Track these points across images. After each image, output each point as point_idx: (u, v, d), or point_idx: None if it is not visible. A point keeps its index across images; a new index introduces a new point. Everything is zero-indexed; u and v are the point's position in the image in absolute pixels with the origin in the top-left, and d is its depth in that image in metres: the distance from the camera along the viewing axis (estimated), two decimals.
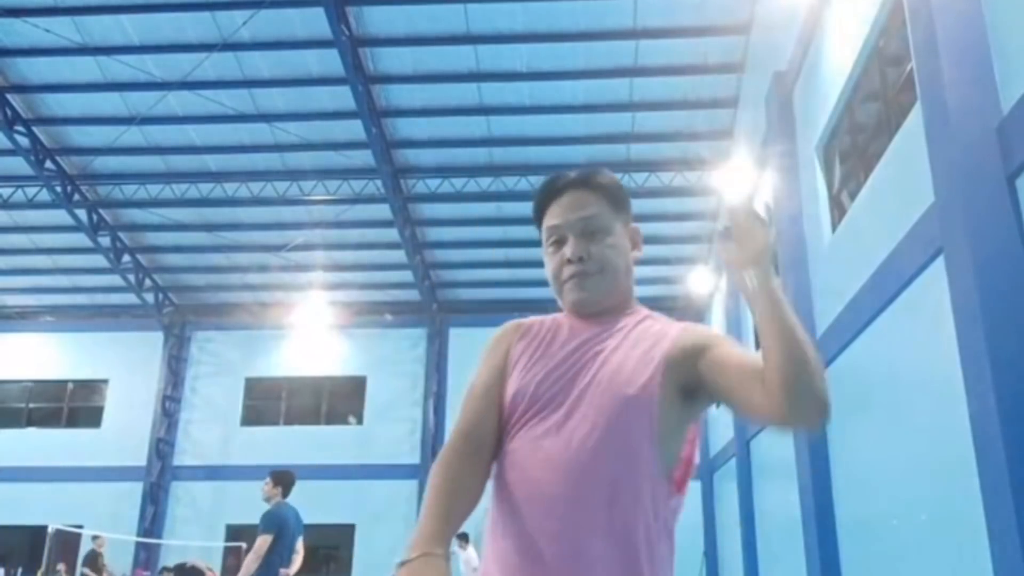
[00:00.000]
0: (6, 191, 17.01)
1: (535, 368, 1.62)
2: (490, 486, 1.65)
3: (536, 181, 16.42)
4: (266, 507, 6.84)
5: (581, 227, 1.63)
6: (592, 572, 1.42)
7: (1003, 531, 5.32)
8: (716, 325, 18.90)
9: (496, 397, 1.65)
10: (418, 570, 1.36)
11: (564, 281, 1.64)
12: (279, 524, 6.65)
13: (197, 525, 19.92)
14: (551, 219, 1.66)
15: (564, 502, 1.46)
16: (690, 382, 1.52)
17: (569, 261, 1.62)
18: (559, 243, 1.65)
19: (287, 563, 6.84)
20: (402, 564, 1.38)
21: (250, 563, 6.44)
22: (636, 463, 1.48)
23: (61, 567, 16.51)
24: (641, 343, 1.58)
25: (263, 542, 6.49)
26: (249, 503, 19.95)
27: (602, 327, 1.63)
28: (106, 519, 18.71)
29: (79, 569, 14.82)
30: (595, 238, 1.62)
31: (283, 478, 6.96)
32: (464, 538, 13.86)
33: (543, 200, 1.69)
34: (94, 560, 14.60)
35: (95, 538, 14.99)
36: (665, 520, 1.51)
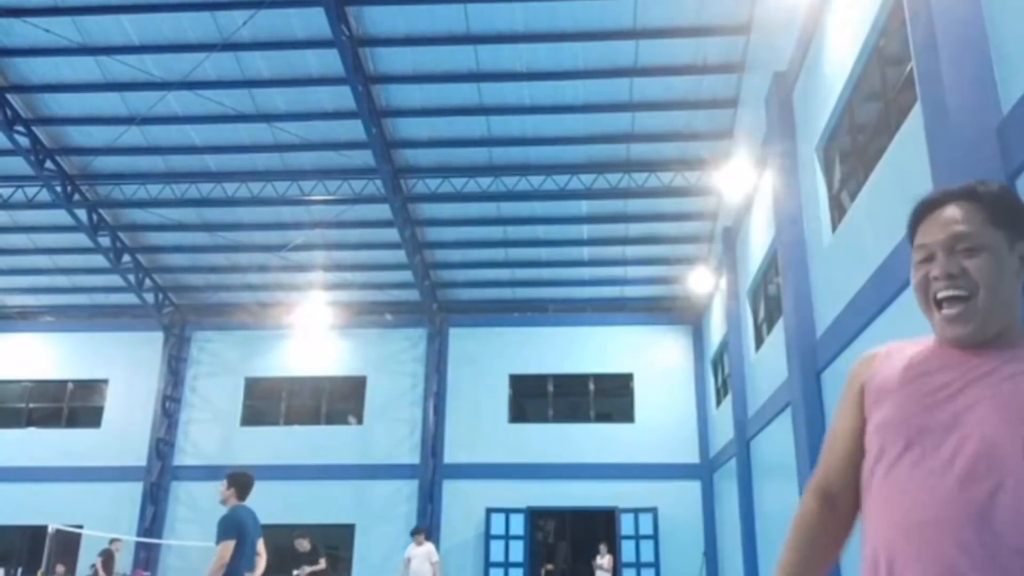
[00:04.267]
0: (6, 191, 17.01)
1: (905, 400, 1.46)
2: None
3: (536, 181, 16.60)
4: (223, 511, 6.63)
5: (951, 243, 1.43)
6: None
7: None
8: (716, 325, 18.90)
9: (852, 443, 1.56)
10: None
11: (937, 303, 1.45)
12: (239, 528, 6.46)
13: (197, 525, 19.89)
14: (922, 234, 1.49)
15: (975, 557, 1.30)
16: None
17: (936, 279, 1.44)
18: (927, 261, 1.47)
19: (251, 567, 6.68)
20: None
21: (215, 571, 6.25)
22: None
23: (60, 569, 16.53)
24: None
25: (225, 548, 6.30)
26: (249, 503, 20.00)
27: (986, 357, 1.42)
28: (106, 519, 18.72)
29: (95, 559, 15.01)
30: (970, 254, 1.42)
31: (239, 480, 6.72)
32: (421, 532, 13.72)
33: (917, 216, 1.52)
34: (108, 560, 14.76)
35: (113, 540, 15.15)
36: None
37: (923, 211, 1.51)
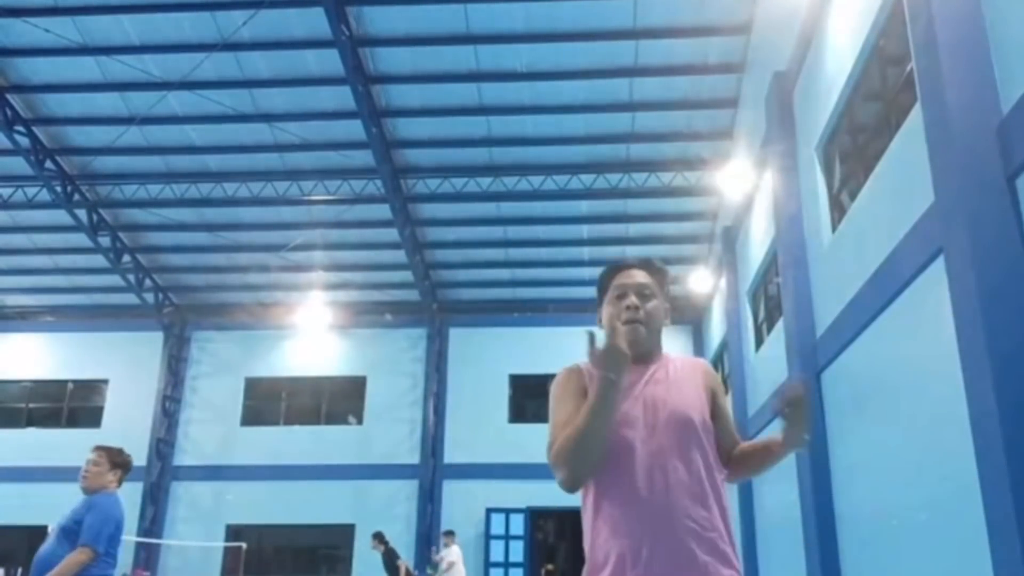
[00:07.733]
0: (6, 191, 17.00)
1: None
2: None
3: (536, 181, 16.59)
4: None
5: (640, 288, 2.33)
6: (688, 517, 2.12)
7: (1003, 530, 5.32)
8: (716, 325, 18.91)
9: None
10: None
11: (624, 322, 2.30)
12: None
13: (197, 525, 19.91)
14: (619, 280, 2.36)
15: (666, 490, 2.13)
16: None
17: (628, 308, 2.30)
18: (622, 297, 2.33)
19: None
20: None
21: None
22: (707, 456, 2.22)
23: None
24: (686, 380, 2.32)
25: None
26: (249, 503, 19.95)
27: (649, 368, 2.31)
28: None
29: None
30: (648, 298, 2.33)
31: None
32: (451, 535, 14.42)
33: (613, 271, 2.41)
34: None
35: None
36: (722, 483, 2.27)
37: (617, 269, 2.40)
